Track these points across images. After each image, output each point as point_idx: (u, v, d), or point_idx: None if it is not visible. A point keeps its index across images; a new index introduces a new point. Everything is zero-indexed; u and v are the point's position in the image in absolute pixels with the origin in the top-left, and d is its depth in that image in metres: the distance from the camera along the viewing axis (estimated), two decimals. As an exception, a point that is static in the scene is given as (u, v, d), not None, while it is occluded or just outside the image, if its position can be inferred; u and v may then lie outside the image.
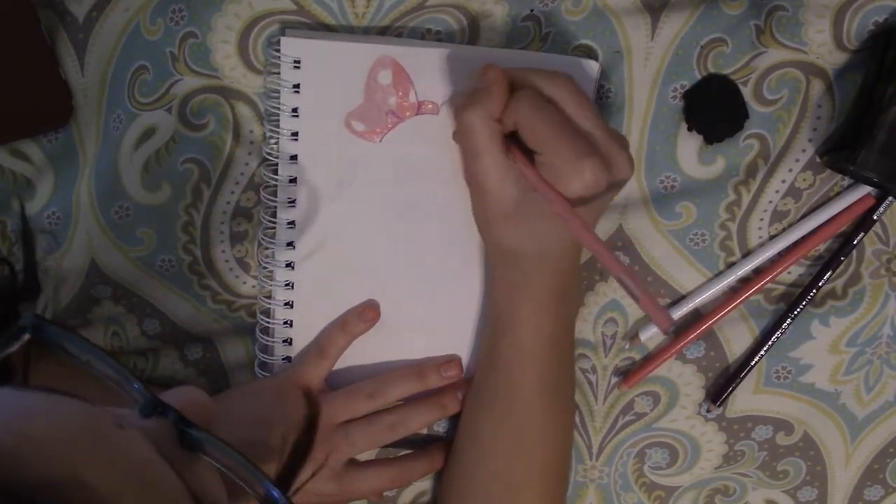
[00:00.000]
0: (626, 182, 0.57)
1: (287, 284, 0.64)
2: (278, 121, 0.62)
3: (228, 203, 0.64)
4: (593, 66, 0.62)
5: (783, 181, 0.65)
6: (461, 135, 0.57)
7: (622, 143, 0.56)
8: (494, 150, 0.56)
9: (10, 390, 0.34)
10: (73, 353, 0.37)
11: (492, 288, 0.62)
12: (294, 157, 0.62)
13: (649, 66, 0.63)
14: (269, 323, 0.66)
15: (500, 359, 0.62)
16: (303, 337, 0.66)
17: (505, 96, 0.56)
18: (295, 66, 0.61)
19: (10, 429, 0.31)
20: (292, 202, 0.63)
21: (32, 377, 0.41)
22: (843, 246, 0.65)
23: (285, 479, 0.50)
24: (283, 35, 0.61)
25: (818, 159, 0.65)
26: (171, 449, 0.36)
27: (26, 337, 0.36)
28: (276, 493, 0.37)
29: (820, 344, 0.67)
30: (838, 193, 0.65)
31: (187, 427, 0.37)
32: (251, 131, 0.63)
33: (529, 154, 0.56)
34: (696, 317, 0.67)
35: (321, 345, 0.64)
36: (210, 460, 0.38)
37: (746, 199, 0.65)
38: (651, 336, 0.67)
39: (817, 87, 0.63)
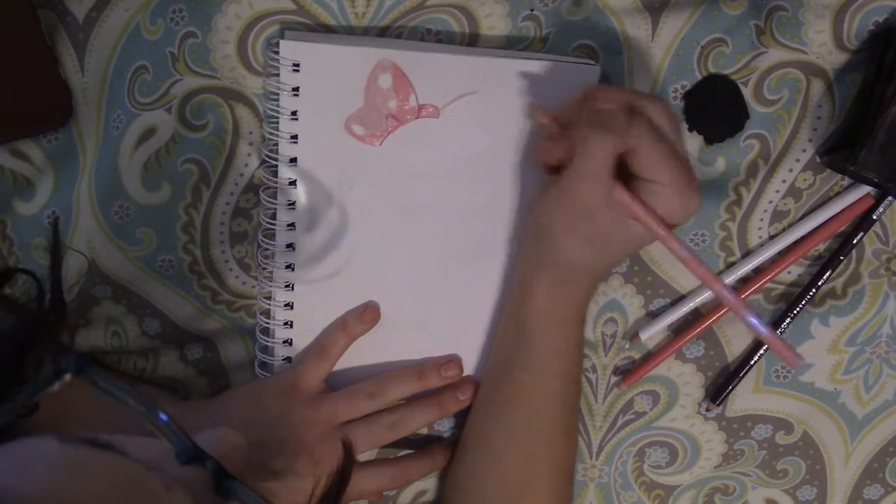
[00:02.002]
0: None
1: (287, 286, 0.64)
2: (278, 123, 0.62)
3: (228, 204, 0.64)
4: (594, 70, 0.61)
5: (783, 181, 0.65)
6: (583, 156, 0.55)
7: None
8: (608, 178, 0.55)
9: (56, 443, 0.34)
10: (115, 394, 0.37)
11: (530, 294, 0.61)
12: (294, 160, 0.62)
13: (649, 66, 0.63)
14: (269, 324, 0.66)
15: (522, 364, 0.62)
16: (303, 338, 0.66)
17: (627, 122, 0.54)
18: (294, 70, 0.61)
19: (55, 491, 0.31)
20: (292, 204, 0.63)
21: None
22: (843, 246, 0.66)
23: None
24: (283, 37, 0.61)
25: (818, 159, 0.65)
26: (206, 498, 0.36)
27: (68, 377, 0.35)
28: None
29: (819, 343, 0.68)
30: (838, 193, 0.66)
31: (225, 477, 0.37)
32: (250, 132, 0.63)
33: (621, 178, 0.55)
34: (696, 316, 0.67)
35: (321, 346, 0.64)
36: None
37: (747, 199, 0.65)
38: (651, 335, 0.67)
39: (817, 87, 0.63)
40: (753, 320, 0.56)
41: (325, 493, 0.43)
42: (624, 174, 0.56)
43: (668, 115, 0.55)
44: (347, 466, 0.44)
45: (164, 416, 0.36)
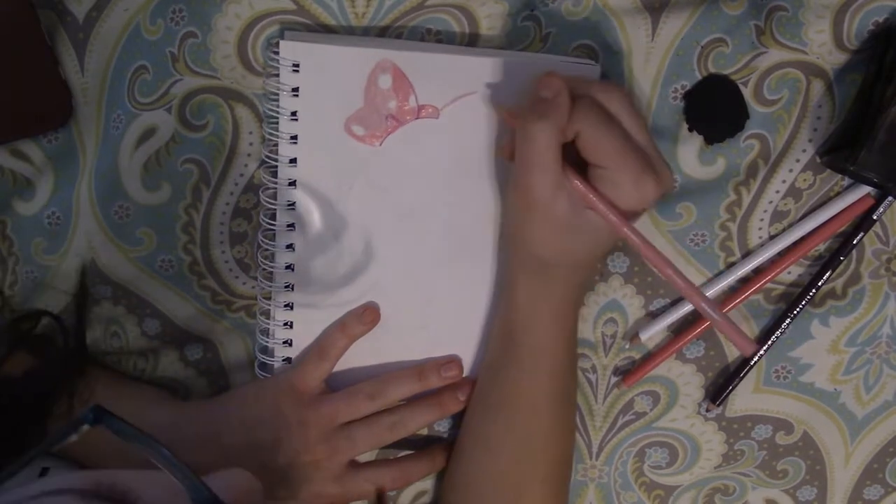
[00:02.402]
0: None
1: (287, 286, 0.64)
2: (277, 124, 0.62)
3: (228, 204, 0.64)
4: (594, 70, 0.61)
5: (783, 181, 0.65)
6: (524, 146, 0.55)
7: (663, 158, 0.57)
8: (554, 166, 0.54)
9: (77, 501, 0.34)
10: (132, 440, 0.37)
11: (512, 293, 0.62)
12: (293, 161, 0.62)
13: (649, 66, 0.63)
14: (268, 324, 0.66)
15: (513, 362, 0.62)
16: (303, 338, 0.66)
17: (569, 108, 0.54)
18: (294, 70, 0.60)
19: None
20: (291, 205, 0.63)
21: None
22: (843, 246, 0.65)
23: None
24: (283, 37, 0.61)
25: (818, 159, 0.65)
26: None
27: (85, 428, 0.36)
28: None
29: (820, 344, 0.68)
30: (838, 193, 0.66)
31: None
32: (250, 132, 0.63)
33: (578, 166, 0.55)
34: (697, 316, 0.67)
35: (321, 346, 0.64)
36: None
37: (747, 199, 0.65)
38: (651, 335, 0.67)
39: (817, 87, 0.63)
40: (704, 304, 0.55)
41: None
42: (583, 164, 0.55)
43: (621, 100, 0.55)
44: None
45: (185, 467, 0.36)
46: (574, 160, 0.55)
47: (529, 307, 0.61)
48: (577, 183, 0.55)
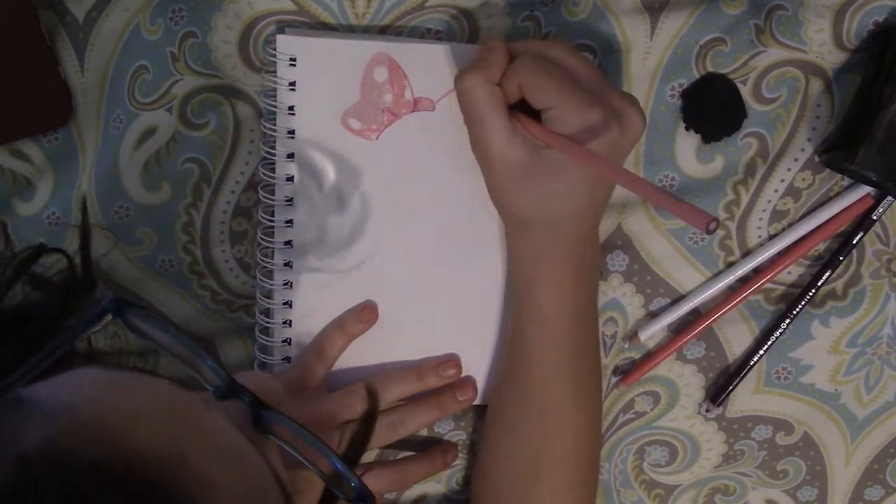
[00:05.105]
0: (639, 136, 0.57)
1: (286, 284, 0.64)
2: (276, 119, 0.62)
3: (228, 203, 0.64)
4: (592, 67, 0.62)
5: (782, 180, 0.65)
6: (462, 103, 0.58)
7: (630, 97, 0.57)
8: (496, 114, 0.56)
9: (101, 370, 0.35)
10: (150, 335, 0.38)
11: (510, 262, 0.62)
12: (291, 156, 0.62)
13: (648, 64, 0.63)
14: (268, 323, 0.65)
15: (520, 335, 0.61)
16: (302, 337, 0.65)
17: (504, 61, 0.56)
18: (291, 64, 0.61)
19: (109, 403, 0.32)
20: (290, 201, 0.63)
21: None
22: (843, 246, 0.65)
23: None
24: (282, 32, 0.61)
25: (817, 159, 0.65)
26: (245, 430, 0.37)
27: (108, 318, 0.37)
28: (342, 467, 0.39)
29: (820, 344, 0.67)
30: (838, 193, 0.65)
31: (262, 409, 0.38)
32: (251, 130, 0.63)
33: (535, 118, 0.56)
34: (696, 316, 0.67)
35: (319, 346, 0.64)
36: (279, 441, 0.39)
37: (745, 198, 0.65)
38: (651, 335, 0.67)
39: (816, 86, 0.64)
40: (657, 191, 0.52)
41: (353, 438, 0.43)
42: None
43: (564, 48, 0.57)
44: (373, 410, 0.44)
45: (204, 355, 0.38)
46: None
47: (525, 274, 0.60)
48: (524, 122, 0.56)
